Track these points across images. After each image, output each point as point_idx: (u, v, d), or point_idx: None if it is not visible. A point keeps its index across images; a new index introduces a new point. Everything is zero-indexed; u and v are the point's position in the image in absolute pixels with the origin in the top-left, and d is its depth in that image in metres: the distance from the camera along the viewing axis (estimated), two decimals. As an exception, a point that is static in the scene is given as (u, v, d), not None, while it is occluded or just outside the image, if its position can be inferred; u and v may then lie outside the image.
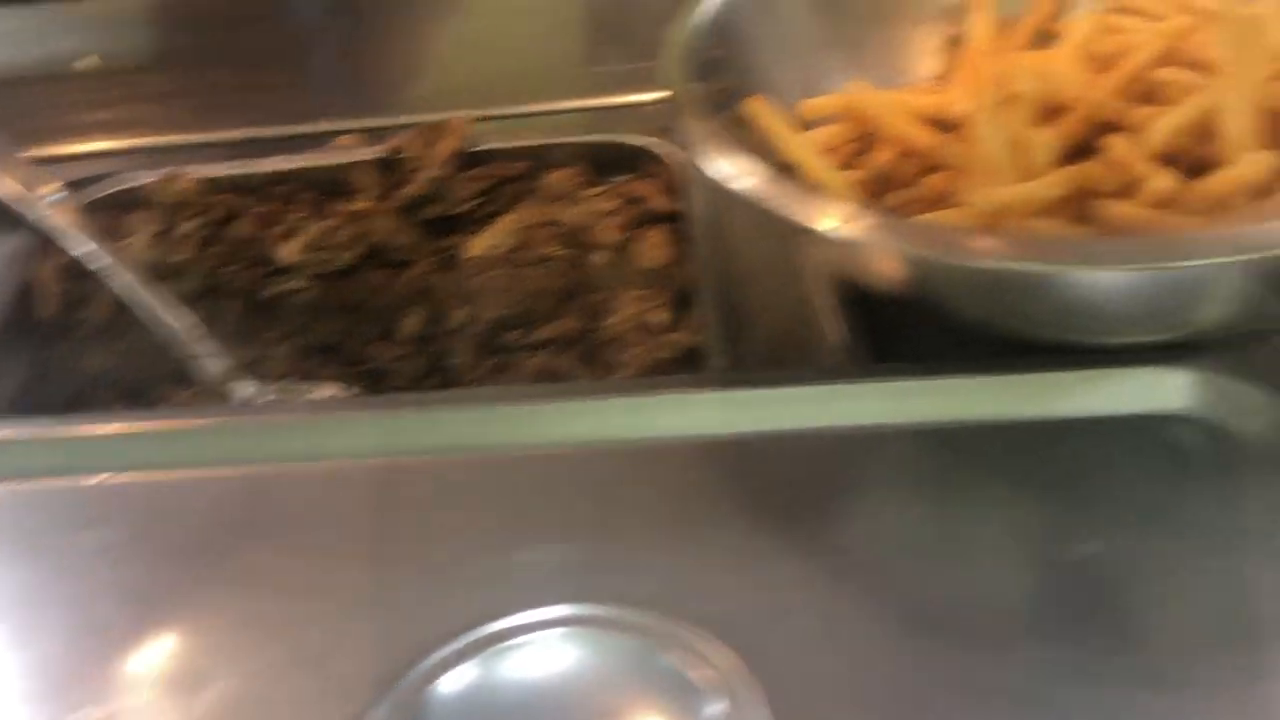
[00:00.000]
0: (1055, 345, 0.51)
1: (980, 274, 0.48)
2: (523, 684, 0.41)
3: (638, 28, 0.79)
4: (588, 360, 0.61)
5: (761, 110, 0.59)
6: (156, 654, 0.44)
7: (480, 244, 0.67)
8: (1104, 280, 0.47)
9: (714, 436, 0.51)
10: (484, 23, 0.82)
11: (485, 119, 0.72)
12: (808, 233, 0.49)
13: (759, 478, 0.50)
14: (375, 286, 0.67)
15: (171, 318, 0.63)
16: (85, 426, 0.52)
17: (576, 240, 0.66)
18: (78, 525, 0.49)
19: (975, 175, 0.54)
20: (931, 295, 0.52)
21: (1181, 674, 0.42)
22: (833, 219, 0.48)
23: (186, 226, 0.67)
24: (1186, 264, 0.45)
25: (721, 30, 0.60)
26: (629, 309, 0.61)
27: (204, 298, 0.66)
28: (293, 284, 0.66)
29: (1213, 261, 0.45)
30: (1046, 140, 0.54)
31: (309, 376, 0.65)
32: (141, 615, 0.45)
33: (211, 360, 0.62)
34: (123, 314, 0.65)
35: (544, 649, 0.42)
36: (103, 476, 0.50)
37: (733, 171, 0.51)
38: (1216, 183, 0.50)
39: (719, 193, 0.59)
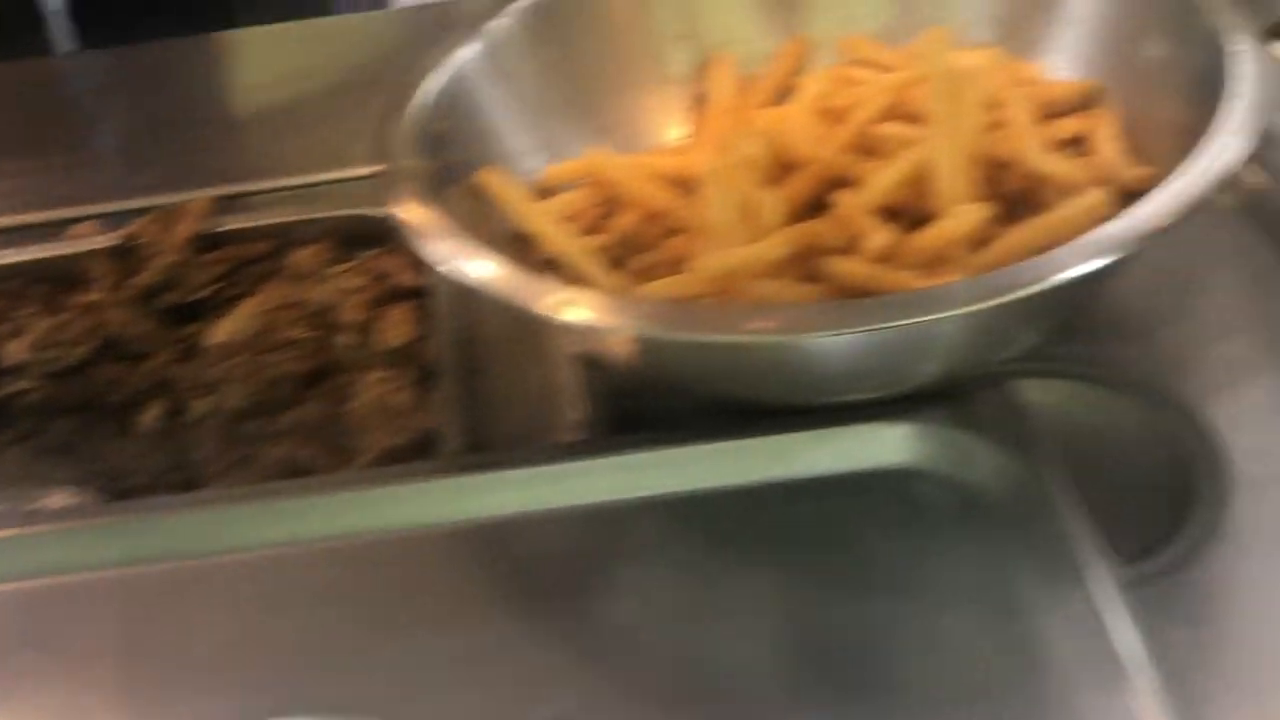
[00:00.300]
0: (788, 408, 0.51)
1: (704, 347, 0.47)
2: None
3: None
4: (330, 448, 0.59)
5: (494, 181, 0.58)
6: None
7: (222, 330, 0.64)
8: (824, 345, 0.47)
9: (451, 524, 0.50)
10: (227, 99, 0.80)
11: (228, 197, 0.69)
12: (529, 315, 0.48)
13: (496, 564, 0.49)
14: (111, 381, 0.64)
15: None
16: None
17: (323, 321, 0.64)
18: None
19: (706, 238, 0.54)
20: (659, 369, 0.51)
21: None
22: (554, 301, 0.47)
23: (-91, 327, 0.63)
24: (897, 324, 0.44)
25: (450, 103, 0.59)
26: (372, 391, 0.59)
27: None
28: (21, 384, 0.62)
29: (923, 320, 0.45)
30: (774, 201, 0.54)
31: (43, 481, 0.61)
32: None
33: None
34: None
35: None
36: None
37: (452, 253, 0.50)
38: (930, 236, 0.50)
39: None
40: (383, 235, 0.67)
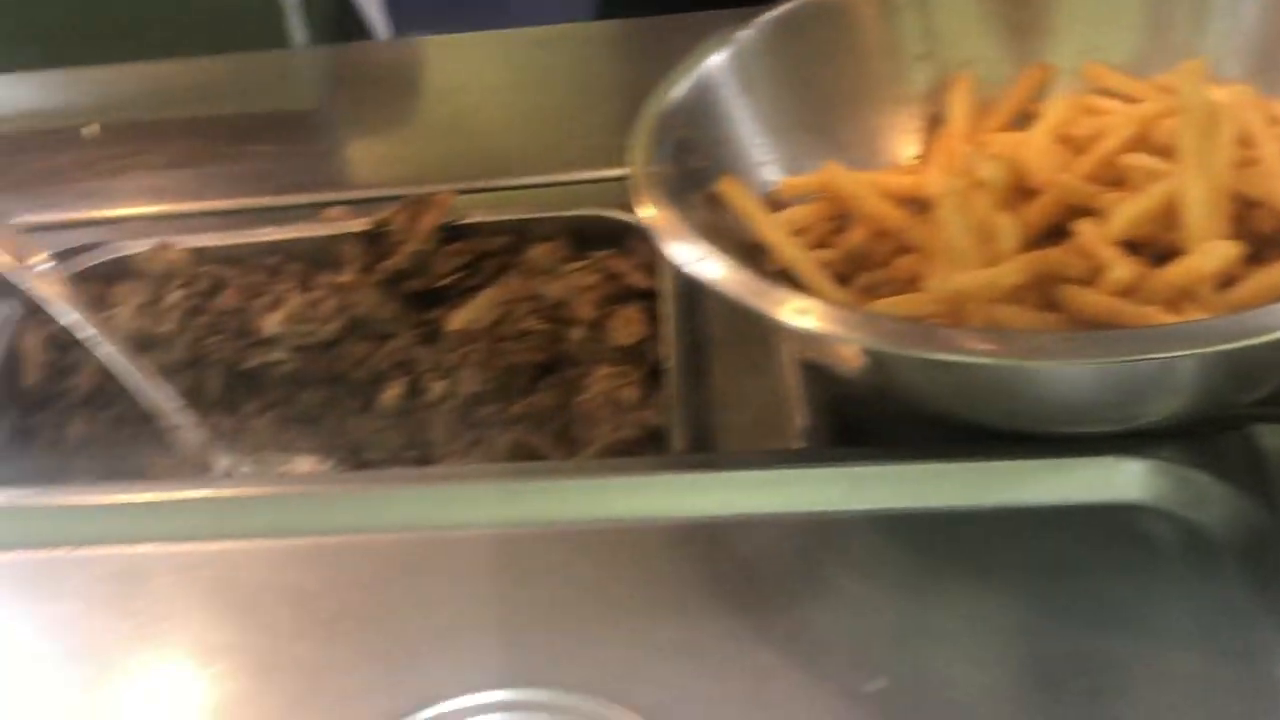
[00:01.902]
0: (1016, 434, 0.51)
1: (937, 366, 0.48)
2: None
3: (620, 103, 0.81)
4: (559, 437, 0.62)
5: (733, 190, 0.59)
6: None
7: (461, 318, 0.67)
8: (1060, 374, 0.47)
9: (673, 519, 0.52)
10: (469, 99, 0.83)
11: (469, 191, 0.72)
12: (767, 320, 0.49)
13: (716, 562, 0.50)
14: (356, 359, 0.68)
15: (154, 389, 0.64)
16: (53, 498, 0.53)
17: (556, 315, 0.66)
18: (39, 597, 0.49)
19: (939, 258, 0.55)
20: (891, 384, 0.52)
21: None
22: (791, 308, 0.49)
23: (173, 297, 0.68)
24: (1141, 358, 0.44)
25: (695, 110, 0.61)
26: (601, 385, 0.62)
27: (187, 369, 0.66)
28: (275, 356, 0.67)
29: (1168, 355, 0.44)
30: (1011, 225, 0.54)
31: (288, 448, 0.65)
32: (96, 685, 0.46)
33: (191, 431, 0.63)
34: (107, 384, 0.66)
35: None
36: (65, 549, 0.51)
37: (694, 255, 0.52)
38: (1176, 272, 0.50)
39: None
40: (615, 236, 0.70)
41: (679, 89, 0.61)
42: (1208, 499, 0.48)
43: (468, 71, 0.88)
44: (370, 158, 0.79)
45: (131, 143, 0.84)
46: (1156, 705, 0.43)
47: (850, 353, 0.51)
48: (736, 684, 0.44)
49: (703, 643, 0.46)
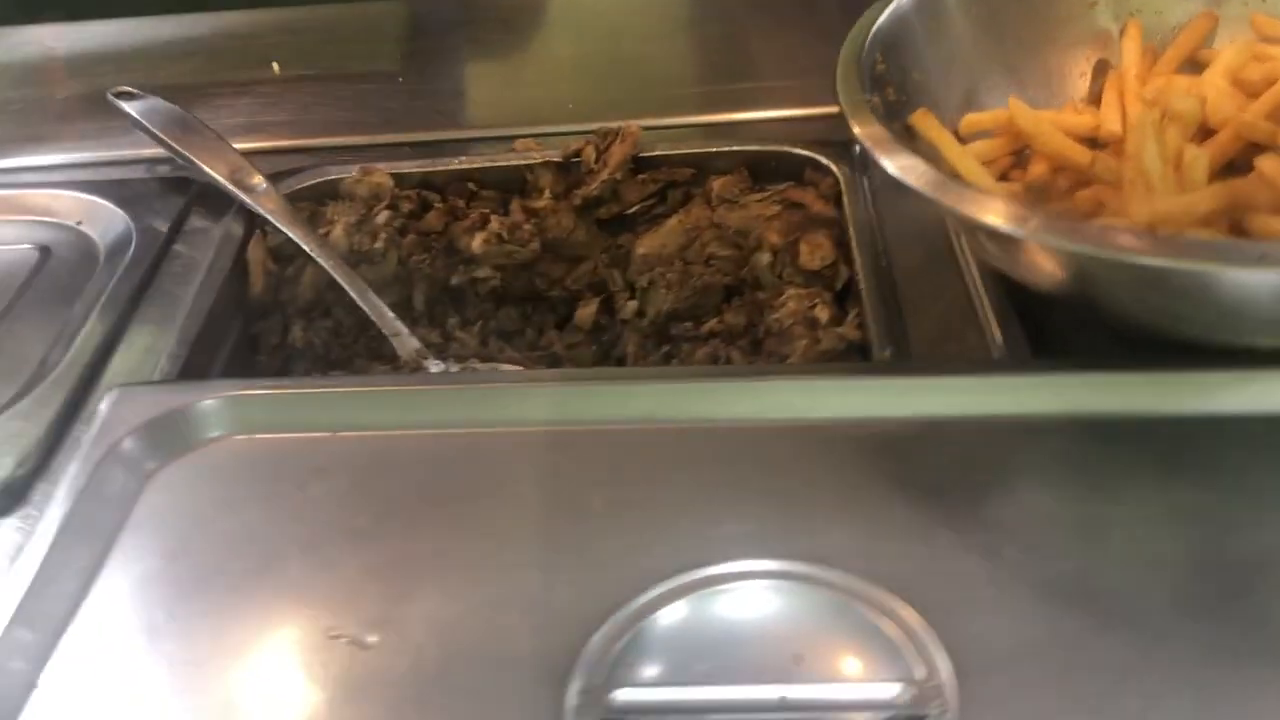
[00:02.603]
0: (1208, 345, 0.55)
1: (1141, 270, 0.51)
2: (730, 623, 0.46)
3: (791, 46, 0.85)
4: (753, 352, 0.66)
5: (927, 122, 0.63)
6: (385, 590, 0.49)
7: (649, 243, 0.72)
8: (1260, 281, 0.50)
9: (880, 420, 0.55)
10: (647, 44, 0.88)
11: (650, 129, 0.77)
12: (981, 227, 0.53)
13: (924, 459, 0.54)
14: (553, 278, 0.72)
15: (370, 300, 0.69)
16: (316, 388, 0.58)
17: (741, 242, 0.71)
18: (307, 474, 0.54)
19: (1132, 189, 0.58)
20: (1091, 292, 0.55)
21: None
22: (1005, 215, 0.53)
23: (380, 218, 0.73)
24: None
25: (889, 45, 0.64)
26: (792, 305, 0.66)
27: (397, 283, 0.71)
28: (480, 273, 0.71)
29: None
30: (1202, 156, 0.58)
31: (490, 360, 0.70)
32: (368, 554, 0.50)
33: (406, 340, 0.68)
34: (325, 295, 0.71)
35: (749, 595, 0.47)
36: (327, 433, 0.56)
37: (908, 167, 0.56)
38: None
39: (885, 195, 0.65)
40: (792, 170, 0.74)
41: (877, 24, 0.65)
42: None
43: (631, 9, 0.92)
44: (550, 96, 0.83)
45: (312, 81, 0.89)
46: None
47: (1049, 263, 0.55)
48: (963, 563, 0.48)
49: (924, 526, 0.50)
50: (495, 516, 0.52)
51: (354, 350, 0.71)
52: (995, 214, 0.52)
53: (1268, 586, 0.48)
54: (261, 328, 0.71)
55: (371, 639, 0.47)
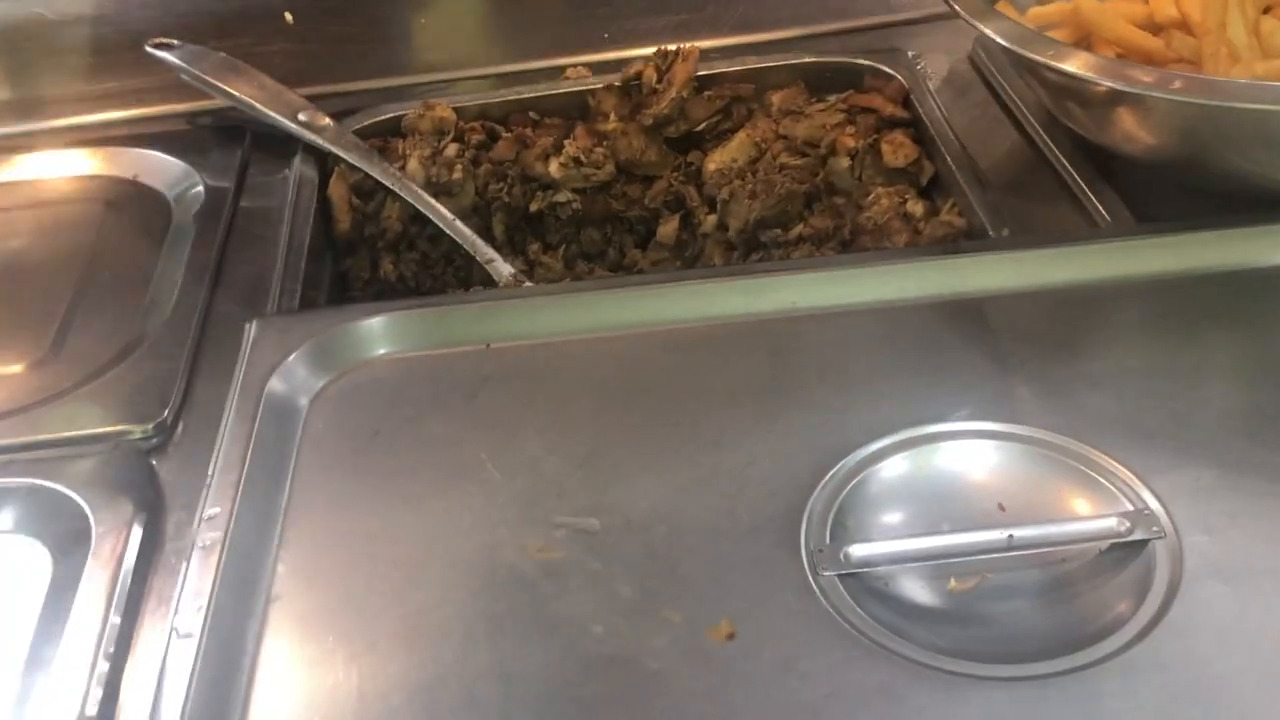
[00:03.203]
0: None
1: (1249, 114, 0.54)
2: (942, 477, 0.48)
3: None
4: (851, 249, 0.68)
5: (1007, 9, 0.66)
6: (593, 479, 0.50)
7: (720, 158, 0.73)
8: None
9: (1020, 290, 0.57)
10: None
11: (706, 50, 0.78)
12: (1085, 83, 0.56)
13: (1072, 322, 0.56)
14: (631, 199, 0.73)
15: (459, 228, 0.69)
16: (468, 302, 0.58)
17: (809, 150, 0.72)
18: (474, 384, 0.54)
19: (1214, 61, 0.62)
20: (1193, 151, 0.58)
21: None
22: (1109, 70, 0.55)
23: (451, 150, 0.73)
24: None
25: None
26: (882, 203, 0.68)
27: (478, 212, 0.72)
28: (559, 198, 0.72)
29: None
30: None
31: (582, 280, 0.71)
32: (561, 450, 0.51)
33: (501, 265, 0.68)
34: (410, 228, 0.71)
35: (956, 451, 0.49)
36: (481, 346, 0.56)
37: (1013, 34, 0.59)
38: None
39: (950, 93, 0.67)
40: (849, 80, 0.76)
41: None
42: None
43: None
44: (589, 25, 0.84)
45: (328, 26, 0.88)
46: None
47: (1155, 125, 0.58)
48: (1011, 406, 0.51)
49: (1103, 381, 0.52)
50: (678, 405, 0.53)
51: (444, 280, 0.71)
52: (1124, 77, 0.55)
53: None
54: (350, 264, 0.71)
55: (595, 525, 0.48)
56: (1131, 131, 0.60)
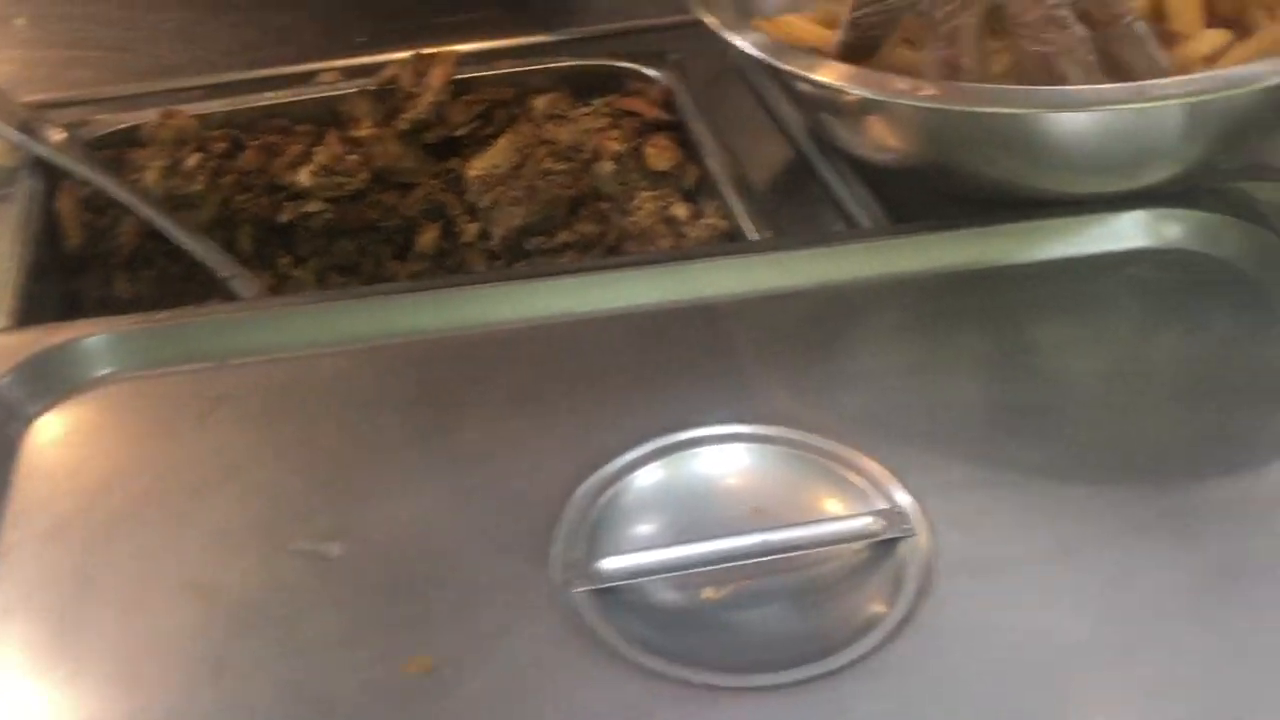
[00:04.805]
0: (1039, 198, 0.59)
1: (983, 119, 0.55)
2: (698, 483, 0.47)
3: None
4: (617, 254, 0.66)
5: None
6: (335, 499, 0.47)
7: (482, 163, 0.71)
8: (1068, 124, 0.55)
9: (775, 292, 0.56)
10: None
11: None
12: (823, 89, 0.56)
13: (826, 323, 0.56)
14: (387, 207, 0.70)
15: (196, 244, 0.65)
16: (201, 317, 0.54)
17: (574, 155, 0.71)
18: (208, 404, 0.51)
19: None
20: (913, 150, 0.59)
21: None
22: (845, 77, 0.55)
23: (192, 160, 0.69)
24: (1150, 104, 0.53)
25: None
26: (647, 207, 0.67)
27: (222, 225, 0.68)
28: (310, 208, 0.69)
29: (1172, 101, 0.53)
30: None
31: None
32: (302, 470, 0.48)
33: (248, 280, 0.64)
34: (147, 244, 0.66)
35: (712, 457, 0.47)
36: (216, 363, 0.52)
37: (756, 44, 0.58)
38: (1178, 54, 0.59)
39: (713, 96, 0.67)
40: (613, 84, 0.75)
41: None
42: (1217, 235, 0.57)
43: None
44: (346, 28, 0.81)
45: (65, 31, 0.83)
46: (1209, 388, 0.51)
47: (881, 126, 0.59)
48: (892, 407, 0.51)
49: (857, 380, 0.52)
50: (431, 419, 0.50)
51: (186, 300, 0.67)
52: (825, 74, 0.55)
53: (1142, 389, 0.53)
54: (81, 284, 0.66)
55: (334, 549, 0.45)
56: (880, 141, 0.60)
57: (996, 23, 0.59)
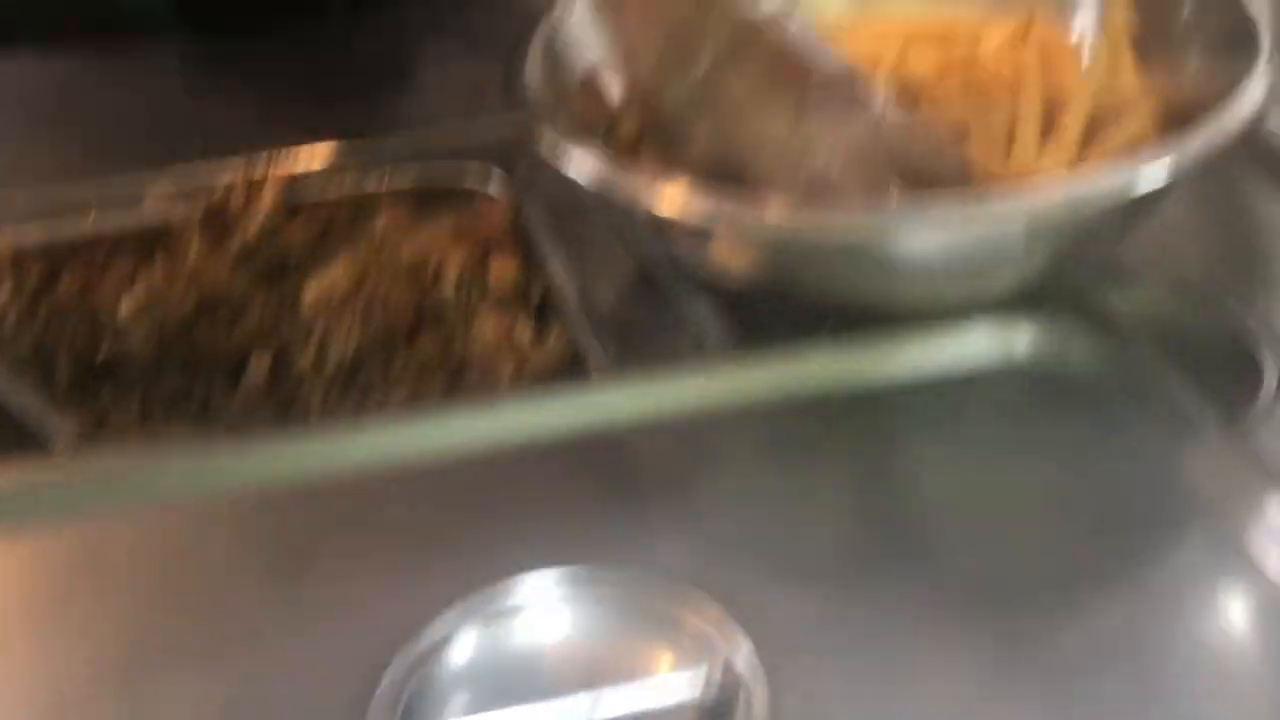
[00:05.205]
0: (888, 313, 0.57)
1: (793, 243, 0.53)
2: (520, 641, 0.43)
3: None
4: (453, 385, 0.63)
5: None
6: (161, 671, 0.43)
7: (318, 287, 0.67)
8: (910, 240, 0.53)
9: (614, 426, 0.54)
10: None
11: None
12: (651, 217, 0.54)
13: (663, 458, 0.53)
14: (215, 337, 0.66)
15: (7, 386, 0.60)
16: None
17: (416, 275, 0.67)
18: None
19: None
20: (780, 272, 0.57)
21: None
22: (671, 201, 0.53)
23: (3, 291, 0.64)
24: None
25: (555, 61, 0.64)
26: (489, 329, 0.63)
27: (37, 362, 0.63)
28: (131, 341, 0.64)
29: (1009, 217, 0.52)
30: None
31: (157, 432, 0.63)
32: (118, 650, 0.44)
33: (57, 423, 0.60)
34: (-52, 386, 0.62)
35: (547, 611, 0.44)
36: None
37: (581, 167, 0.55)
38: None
39: (563, 208, 0.64)
40: (460, 196, 0.72)
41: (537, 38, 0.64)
42: (1071, 350, 0.55)
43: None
44: (181, 144, 0.77)
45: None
46: (1075, 513, 0.49)
47: (719, 248, 0.56)
48: (750, 551, 0.48)
49: (619, 534, 0.49)
50: (232, 591, 0.46)
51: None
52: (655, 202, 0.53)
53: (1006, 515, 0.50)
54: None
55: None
56: (720, 263, 0.57)
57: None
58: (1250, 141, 0.64)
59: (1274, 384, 0.54)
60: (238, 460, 0.51)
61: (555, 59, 0.62)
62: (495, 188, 0.71)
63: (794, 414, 0.55)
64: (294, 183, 0.70)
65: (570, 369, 0.60)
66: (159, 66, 0.85)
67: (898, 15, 0.69)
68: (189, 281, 0.66)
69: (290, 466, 0.51)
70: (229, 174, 0.70)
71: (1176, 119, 0.56)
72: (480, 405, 0.55)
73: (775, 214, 0.53)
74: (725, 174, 0.56)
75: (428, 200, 0.72)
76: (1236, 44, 0.59)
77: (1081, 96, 0.60)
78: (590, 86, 0.63)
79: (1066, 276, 0.58)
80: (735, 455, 0.54)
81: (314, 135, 0.74)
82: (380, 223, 0.70)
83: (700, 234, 0.56)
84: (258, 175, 0.69)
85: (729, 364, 0.57)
